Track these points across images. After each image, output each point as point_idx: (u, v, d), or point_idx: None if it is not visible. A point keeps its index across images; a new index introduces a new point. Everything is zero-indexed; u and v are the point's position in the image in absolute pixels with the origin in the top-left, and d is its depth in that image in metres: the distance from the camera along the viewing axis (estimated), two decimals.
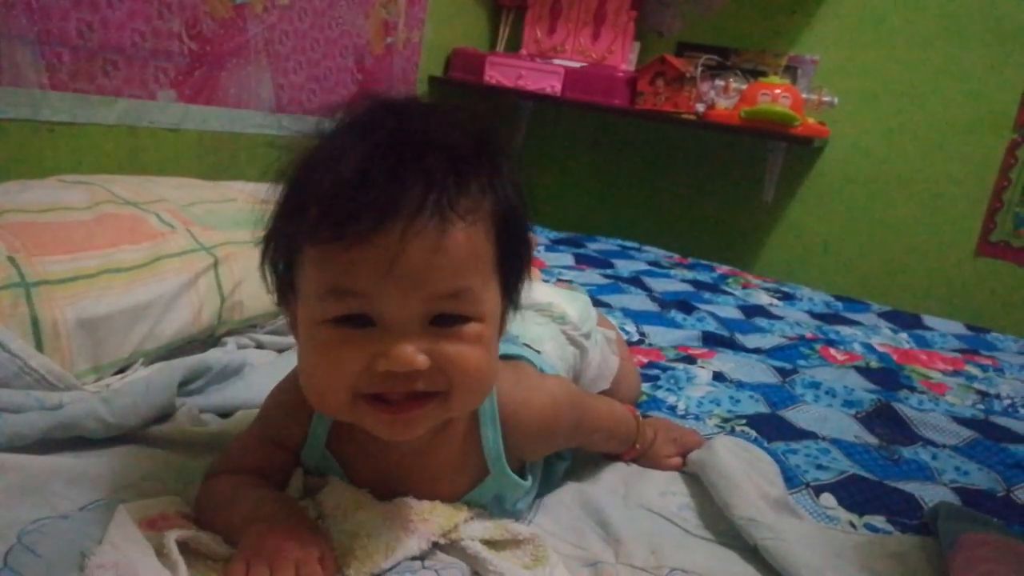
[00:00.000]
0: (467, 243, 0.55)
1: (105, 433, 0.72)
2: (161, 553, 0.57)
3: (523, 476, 0.72)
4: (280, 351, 1.04)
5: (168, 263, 0.96)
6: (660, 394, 1.12)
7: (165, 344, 0.93)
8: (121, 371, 0.90)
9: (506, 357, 0.75)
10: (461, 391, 0.58)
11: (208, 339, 1.01)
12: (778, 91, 2.15)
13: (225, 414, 0.85)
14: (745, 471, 0.83)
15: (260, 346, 1.04)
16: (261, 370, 0.94)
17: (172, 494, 0.67)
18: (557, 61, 2.41)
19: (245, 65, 1.73)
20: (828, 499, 0.87)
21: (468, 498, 0.70)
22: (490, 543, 0.65)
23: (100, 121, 1.46)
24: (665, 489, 0.84)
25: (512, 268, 0.62)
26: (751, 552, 0.73)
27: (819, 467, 0.94)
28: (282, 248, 0.60)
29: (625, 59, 2.43)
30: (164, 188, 1.16)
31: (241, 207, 1.19)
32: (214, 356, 0.91)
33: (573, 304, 1.02)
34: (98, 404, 0.73)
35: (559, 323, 0.96)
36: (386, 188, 0.52)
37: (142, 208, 1.05)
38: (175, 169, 1.54)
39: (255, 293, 1.04)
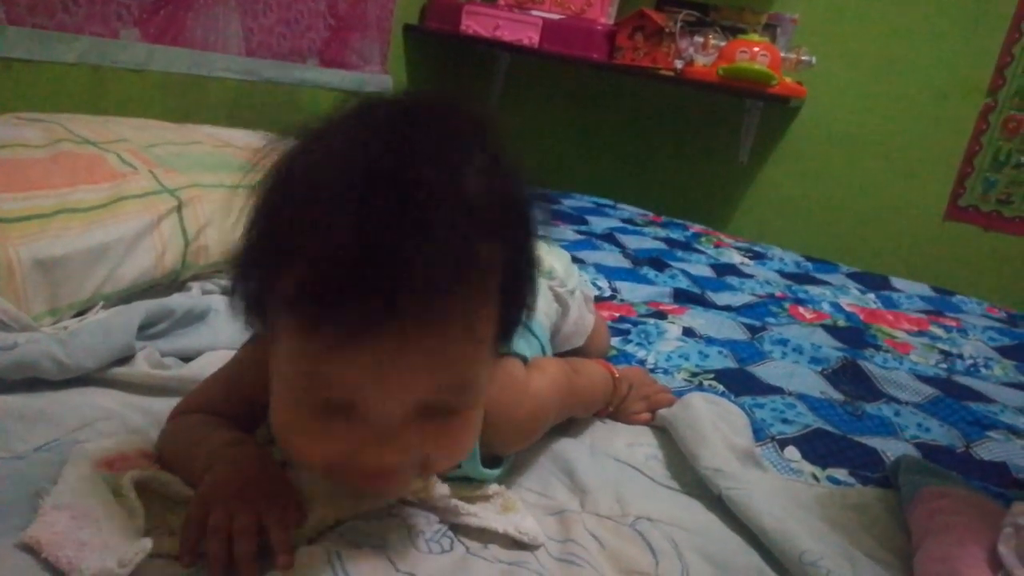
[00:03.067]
0: (471, 334, 0.49)
1: (61, 374, 0.71)
2: (119, 494, 0.56)
3: (497, 463, 0.71)
4: None
5: (129, 204, 0.94)
6: (630, 348, 1.13)
7: (126, 288, 0.91)
8: (80, 314, 0.88)
9: None
10: (443, 463, 0.56)
11: (172, 284, 0.99)
12: (757, 49, 2.14)
13: (188, 359, 0.84)
14: (713, 423, 0.83)
15: (226, 291, 1.02)
16: (226, 315, 0.92)
17: (132, 433, 0.66)
18: (535, 12, 2.36)
19: (213, 6, 1.67)
20: (792, 452, 0.88)
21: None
22: (459, 497, 0.65)
23: (60, 59, 1.41)
24: (633, 440, 0.85)
25: (514, 317, 0.55)
26: (715, 502, 0.74)
27: (784, 421, 0.94)
28: (254, 295, 0.52)
29: (604, 12, 2.39)
30: (126, 128, 1.12)
31: (207, 150, 1.16)
32: (177, 300, 0.89)
33: (560, 259, 1.01)
34: (54, 344, 0.71)
35: (546, 278, 0.95)
36: (386, 273, 0.44)
37: (102, 148, 1.01)
38: (139, 112, 1.50)
39: (221, 238, 1.02)
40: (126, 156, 1.01)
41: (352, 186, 0.45)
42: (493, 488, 0.67)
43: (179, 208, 0.98)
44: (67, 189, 0.90)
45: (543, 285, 0.93)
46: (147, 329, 0.83)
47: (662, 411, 0.88)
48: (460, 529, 0.62)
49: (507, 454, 0.72)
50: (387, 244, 0.44)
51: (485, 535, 0.61)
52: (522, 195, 0.52)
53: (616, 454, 0.80)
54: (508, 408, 0.66)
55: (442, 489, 0.64)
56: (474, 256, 0.47)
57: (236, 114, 1.79)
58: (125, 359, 0.77)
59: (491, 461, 0.69)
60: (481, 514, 0.62)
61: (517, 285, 0.53)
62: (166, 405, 0.70)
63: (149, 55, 1.56)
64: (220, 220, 1.02)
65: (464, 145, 0.49)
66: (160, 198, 0.98)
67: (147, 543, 0.51)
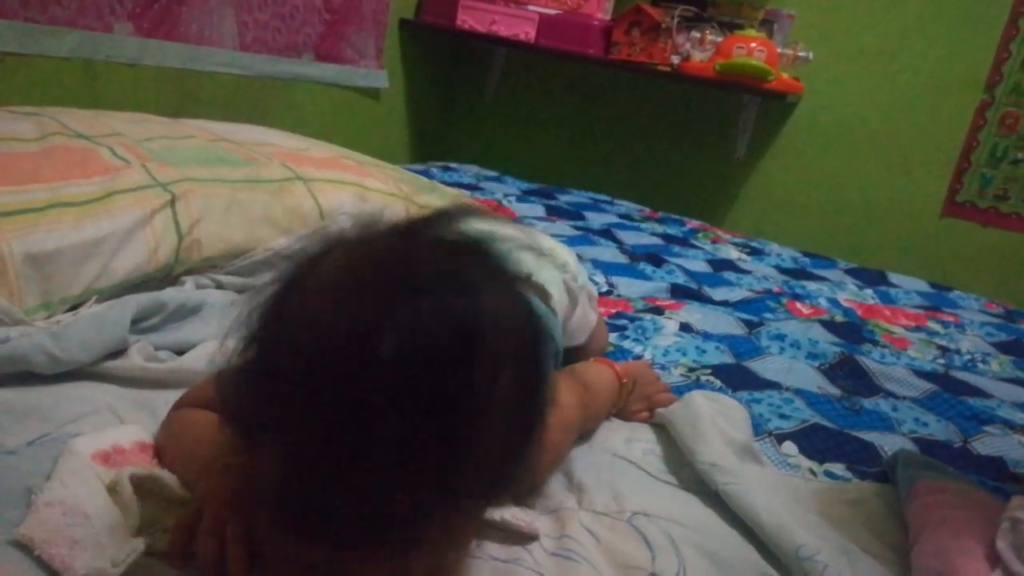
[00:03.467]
0: (432, 564, 0.48)
1: (53, 368, 0.70)
2: (113, 491, 0.56)
3: None
4: (240, 292, 1.01)
5: (121, 198, 0.93)
6: (627, 344, 1.12)
7: (119, 282, 0.90)
8: (73, 308, 0.87)
9: None
10: None
11: (165, 278, 0.98)
12: (754, 45, 2.13)
13: (181, 353, 0.83)
14: (712, 419, 0.83)
15: (220, 286, 1.01)
16: (220, 310, 0.92)
17: (128, 426, 0.66)
18: (532, 7, 2.36)
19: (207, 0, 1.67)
20: (790, 447, 0.88)
21: None
22: None
23: (52, 53, 1.40)
24: (631, 436, 0.84)
25: (510, 477, 0.50)
26: (713, 497, 0.74)
27: (782, 416, 0.94)
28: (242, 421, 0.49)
29: (601, 7, 2.39)
30: (119, 122, 1.11)
31: (201, 144, 1.15)
32: (170, 294, 0.88)
33: (571, 254, 1.01)
34: (46, 338, 0.70)
35: (561, 271, 0.96)
36: (350, 510, 0.41)
37: (95, 141, 1.00)
38: (133, 106, 1.48)
39: (214, 232, 1.01)
40: (119, 150, 1.00)
41: (318, 376, 0.42)
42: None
43: (172, 202, 0.97)
44: (60, 183, 0.89)
45: (558, 277, 0.93)
46: (140, 323, 0.82)
47: (661, 409, 0.88)
48: None
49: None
50: (352, 477, 0.41)
51: (479, 533, 0.61)
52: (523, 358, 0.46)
53: (614, 449, 0.80)
54: None
55: None
56: (455, 461, 0.42)
57: (230, 109, 1.78)
58: (118, 353, 0.77)
59: None
60: (501, 511, 0.62)
61: (513, 447, 0.47)
62: (160, 398, 0.69)
63: (143, 49, 1.55)
64: (213, 215, 1.01)
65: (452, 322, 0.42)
66: (153, 192, 0.97)
67: (139, 543, 0.51)
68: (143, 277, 0.93)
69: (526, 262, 0.86)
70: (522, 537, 0.62)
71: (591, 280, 1.37)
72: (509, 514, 0.61)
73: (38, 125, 0.99)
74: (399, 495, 0.41)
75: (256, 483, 0.47)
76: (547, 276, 0.90)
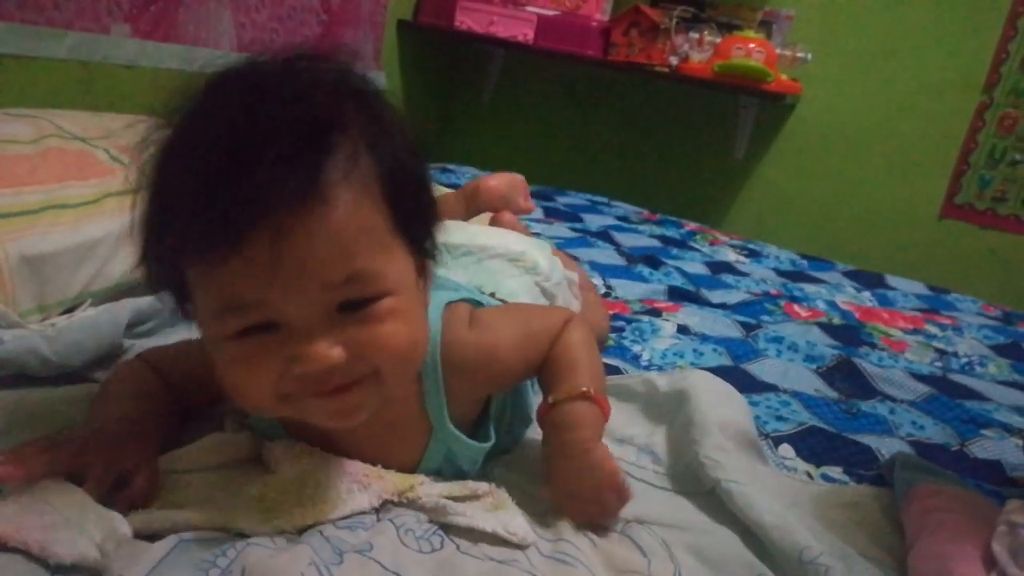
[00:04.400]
0: (349, 220, 0.51)
1: (46, 371, 0.70)
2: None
3: (478, 435, 0.70)
4: None
5: (117, 201, 0.93)
6: (626, 343, 1.12)
7: (115, 284, 0.90)
8: (68, 311, 0.87)
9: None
10: (390, 370, 0.55)
11: None
12: (752, 46, 2.13)
13: None
14: (711, 404, 0.82)
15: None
16: None
17: None
18: (530, 8, 2.36)
19: (205, 1, 1.66)
20: (787, 450, 0.88)
21: (421, 466, 0.67)
22: (449, 498, 0.64)
23: (49, 55, 1.40)
24: (624, 436, 0.84)
25: (415, 221, 0.57)
26: (708, 497, 0.73)
27: (779, 418, 0.94)
28: (161, 270, 0.55)
29: (599, 8, 2.39)
30: (115, 124, 1.11)
31: None
32: (165, 298, 0.88)
33: (540, 251, 1.01)
34: (40, 341, 0.70)
35: (532, 274, 0.95)
36: (244, 184, 0.47)
37: (91, 144, 1.00)
38: (130, 108, 1.49)
39: None
40: (115, 152, 1.00)
41: (207, 131, 0.50)
42: (483, 487, 0.65)
43: None
44: (55, 185, 0.89)
45: (528, 282, 0.92)
46: (135, 327, 0.82)
47: (664, 389, 0.88)
48: (451, 528, 0.61)
49: (477, 397, 0.70)
50: (241, 160, 0.47)
51: (475, 533, 0.61)
52: (384, 108, 0.56)
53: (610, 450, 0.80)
54: (462, 345, 0.66)
55: (430, 489, 0.63)
56: (329, 153, 0.50)
57: None
58: (112, 356, 0.77)
59: (476, 433, 0.69)
60: (469, 513, 0.61)
61: (398, 178, 0.54)
62: None
63: (140, 51, 1.55)
64: None
65: (317, 74, 0.53)
66: None
67: (125, 526, 0.51)
68: (138, 280, 0.93)
69: (493, 276, 0.87)
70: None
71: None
72: (501, 526, 0.61)
73: (34, 127, 0.99)
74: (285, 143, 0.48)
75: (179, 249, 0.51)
76: (514, 286, 0.89)
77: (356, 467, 0.63)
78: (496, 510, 0.63)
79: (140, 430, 0.62)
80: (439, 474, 0.68)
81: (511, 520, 0.62)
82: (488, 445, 0.70)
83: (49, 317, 0.84)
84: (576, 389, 0.67)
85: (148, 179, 0.53)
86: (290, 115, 0.49)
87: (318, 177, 0.49)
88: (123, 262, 0.91)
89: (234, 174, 0.48)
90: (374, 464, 0.64)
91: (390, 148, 0.54)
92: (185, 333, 0.85)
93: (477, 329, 0.68)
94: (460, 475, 0.70)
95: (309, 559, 0.52)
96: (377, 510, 0.61)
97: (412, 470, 0.67)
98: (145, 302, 0.85)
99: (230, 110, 0.50)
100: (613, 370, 0.99)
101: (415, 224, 0.57)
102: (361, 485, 0.62)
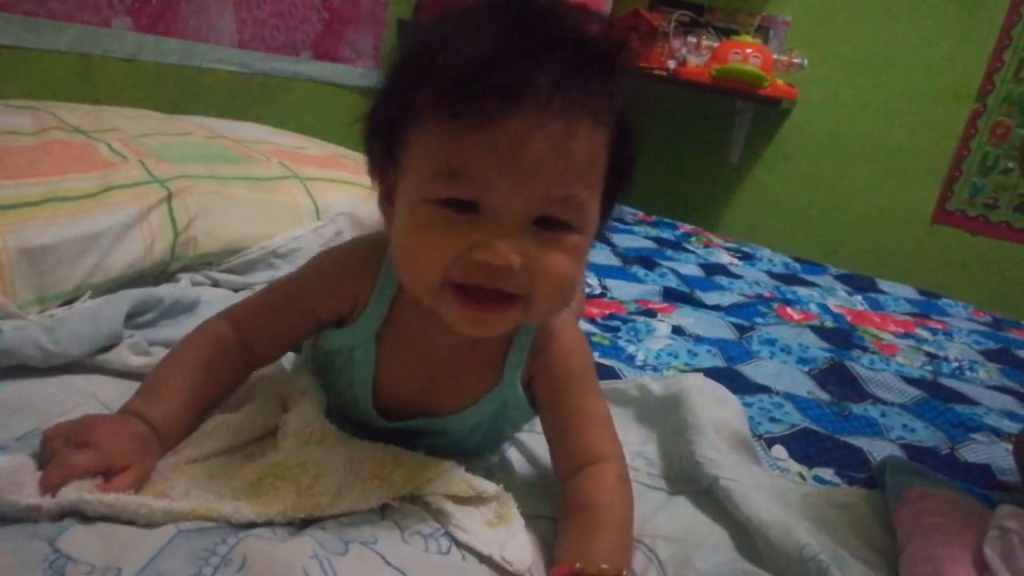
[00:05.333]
0: (588, 148, 0.54)
1: (45, 362, 0.70)
2: None
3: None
4: (236, 290, 1.01)
5: (118, 194, 0.93)
6: (621, 343, 1.13)
7: (115, 277, 0.90)
8: (68, 303, 0.87)
9: None
10: (545, 300, 0.57)
11: (161, 275, 0.98)
12: (749, 51, 2.15)
13: None
14: (706, 405, 0.83)
15: (216, 284, 1.01)
16: (216, 307, 0.91)
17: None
18: None
19: None
20: (779, 451, 0.88)
21: (472, 409, 0.68)
22: (454, 498, 0.63)
23: (50, 47, 1.40)
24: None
25: (617, 182, 0.59)
26: (701, 497, 0.74)
27: (772, 420, 0.95)
28: (393, 119, 0.57)
29: (600, 11, 2.40)
30: (117, 118, 1.12)
31: (198, 141, 1.15)
32: (166, 290, 0.88)
33: None
34: (39, 332, 0.70)
35: None
36: (517, 74, 0.50)
37: (92, 136, 1.00)
38: (130, 102, 1.49)
39: (210, 229, 1.01)
40: (116, 146, 1.01)
41: (485, 27, 0.52)
42: (491, 490, 0.64)
43: (169, 199, 0.98)
44: (56, 177, 0.89)
45: None
46: (135, 318, 0.82)
47: (660, 392, 0.88)
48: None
49: (534, 374, 0.68)
50: (517, 55, 0.50)
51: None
52: (632, 77, 0.58)
53: None
54: (562, 325, 0.68)
55: (437, 486, 0.63)
56: (592, 84, 0.53)
57: (228, 106, 1.78)
58: (111, 347, 0.77)
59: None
60: (470, 529, 0.60)
61: (624, 137, 0.57)
62: None
63: (141, 45, 1.55)
64: (210, 211, 1.01)
65: (590, 19, 0.56)
66: (150, 188, 0.97)
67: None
68: (138, 273, 0.94)
69: None
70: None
71: (585, 282, 1.38)
72: (499, 551, 0.59)
73: (35, 119, 0.99)
74: (576, 53, 0.52)
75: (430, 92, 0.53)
76: None
77: (365, 464, 0.63)
78: (499, 523, 0.62)
79: (158, 426, 0.60)
80: (478, 428, 0.69)
81: (511, 540, 0.60)
82: (534, 416, 0.70)
83: (48, 309, 0.84)
84: (613, 570, 0.57)
85: (409, 47, 0.57)
86: (568, 36, 0.53)
87: (583, 98, 0.52)
88: (123, 255, 0.91)
89: (513, 61, 0.50)
90: (432, 388, 0.67)
91: (626, 107, 0.56)
92: (185, 326, 0.86)
93: (574, 333, 0.70)
94: (495, 437, 0.72)
95: (311, 550, 0.52)
96: (382, 509, 0.61)
97: (464, 409, 0.68)
98: (145, 293, 0.85)
99: (511, 15, 0.53)
100: (608, 371, 1.00)
101: (616, 184, 0.59)
102: (363, 482, 0.61)
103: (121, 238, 0.91)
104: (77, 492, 0.53)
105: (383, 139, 0.59)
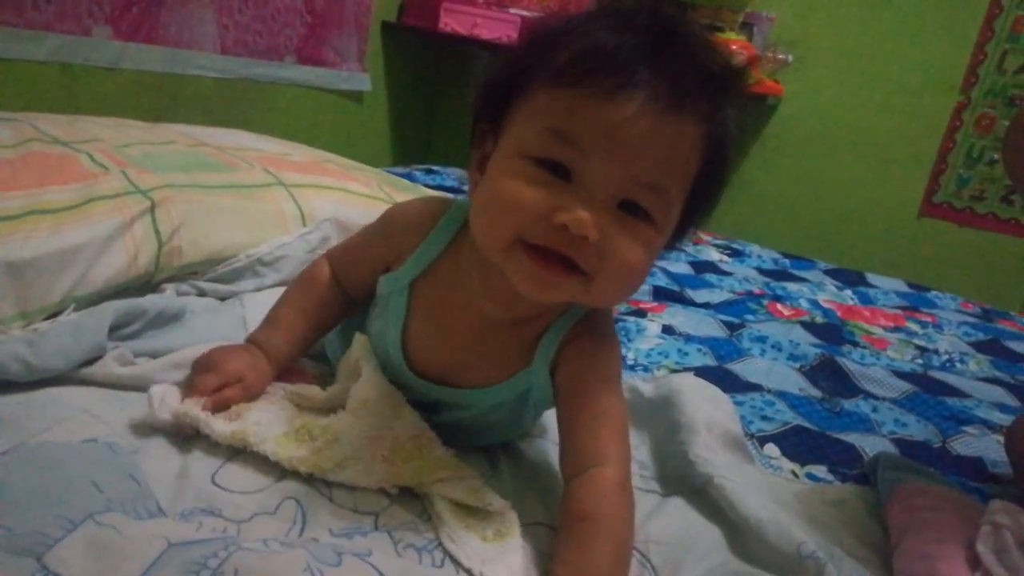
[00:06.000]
0: (688, 146, 0.56)
1: (29, 376, 0.69)
2: None
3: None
4: (222, 299, 1.00)
5: (100, 205, 0.91)
6: None
7: (98, 290, 0.89)
8: (52, 317, 0.86)
9: None
10: (608, 283, 0.58)
11: (146, 286, 0.97)
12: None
13: None
14: (698, 405, 0.83)
15: (202, 293, 1.00)
16: (202, 317, 0.91)
17: (105, 424, 0.65)
18: (513, 10, 2.36)
19: (187, 2, 1.65)
20: (772, 449, 0.88)
21: (501, 386, 0.69)
22: (457, 504, 0.63)
23: (29, 57, 1.38)
24: None
25: (698, 201, 0.61)
26: (695, 496, 0.74)
27: (764, 418, 0.95)
28: (511, 85, 0.59)
29: (583, 10, 2.39)
30: (98, 128, 1.10)
31: (181, 149, 1.14)
32: (150, 300, 0.87)
33: None
34: (21, 346, 0.69)
35: None
36: (646, 63, 0.53)
37: (72, 148, 0.99)
38: (112, 111, 1.47)
39: (195, 238, 1.00)
40: (97, 156, 0.99)
41: (619, 24, 0.56)
42: (497, 504, 0.64)
43: (152, 209, 0.96)
44: (37, 189, 0.88)
45: None
46: (119, 330, 0.81)
47: (650, 393, 0.88)
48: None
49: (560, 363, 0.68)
50: (647, 48, 0.54)
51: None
52: (740, 107, 0.60)
53: None
54: (602, 323, 0.69)
55: (445, 488, 0.63)
56: (708, 92, 0.56)
57: (211, 113, 1.77)
58: (96, 360, 0.76)
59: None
60: (460, 539, 0.59)
61: (718, 156, 0.59)
62: (139, 399, 0.68)
63: (122, 53, 1.53)
64: (194, 221, 1.00)
65: (714, 41, 0.59)
66: (133, 199, 0.96)
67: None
68: (123, 285, 0.92)
69: None
70: None
71: None
72: (478, 569, 0.58)
73: (14, 131, 0.98)
74: (704, 56, 0.56)
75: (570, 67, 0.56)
76: None
77: (384, 443, 0.65)
78: (495, 540, 0.61)
79: (270, 352, 0.73)
80: (500, 408, 0.70)
81: (500, 558, 0.59)
82: (551, 407, 0.70)
83: (31, 323, 0.83)
84: None
85: (541, 31, 0.60)
86: (696, 48, 0.56)
87: (698, 99, 0.55)
88: (107, 267, 0.90)
89: (642, 52, 0.54)
90: (463, 373, 0.69)
91: (728, 130, 0.59)
92: (170, 336, 0.85)
93: (612, 333, 0.71)
94: (513, 424, 0.73)
95: (304, 563, 0.51)
96: (376, 516, 0.61)
97: (490, 385, 0.69)
98: (128, 304, 0.84)
99: (646, 18, 0.56)
100: None
101: (697, 201, 0.62)
102: (373, 461, 0.63)
103: (104, 250, 0.90)
104: (189, 407, 0.65)
105: (494, 104, 0.61)
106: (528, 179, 0.56)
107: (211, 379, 0.68)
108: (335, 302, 0.77)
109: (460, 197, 0.75)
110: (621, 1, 0.59)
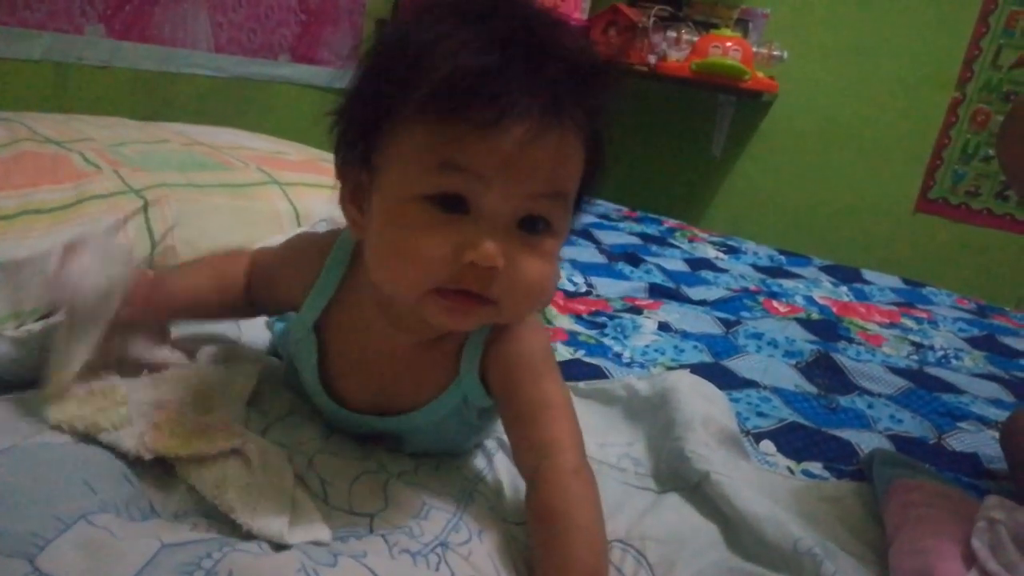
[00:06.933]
0: (575, 154, 0.57)
1: (20, 377, 0.69)
2: None
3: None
4: None
5: (93, 205, 0.91)
6: (607, 341, 1.12)
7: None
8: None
9: None
10: (519, 304, 0.58)
11: None
12: (729, 44, 2.15)
13: None
14: (693, 403, 0.83)
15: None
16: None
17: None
18: None
19: (180, 0, 1.65)
20: (768, 446, 0.88)
21: (433, 404, 0.68)
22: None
23: (23, 56, 1.38)
24: (604, 441, 0.84)
25: (584, 190, 0.62)
26: (690, 493, 0.74)
27: (760, 415, 0.95)
28: (374, 115, 0.57)
29: (578, 7, 2.39)
30: (90, 127, 1.10)
31: (175, 148, 1.14)
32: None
33: None
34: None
35: None
36: (523, 84, 0.52)
37: (66, 147, 0.99)
38: (105, 110, 1.47)
39: (189, 238, 1.00)
40: (90, 156, 0.99)
41: (482, 25, 0.53)
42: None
43: (145, 209, 0.96)
44: (30, 189, 0.88)
45: None
46: None
47: (645, 393, 0.88)
48: (449, 552, 0.59)
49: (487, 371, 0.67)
50: (523, 58, 0.52)
51: (472, 562, 0.59)
52: (609, 94, 0.59)
53: (590, 454, 0.79)
54: (521, 327, 0.67)
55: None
56: (583, 96, 0.55)
57: (205, 112, 1.76)
58: None
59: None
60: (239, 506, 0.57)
61: (597, 149, 0.60)
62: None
63: (115, 51, 1.53)
64: (188, 220, 1.00)
65: (577, 33, 0.59)
66: (126, 198, 0.96)
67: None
68: None
69: None
70: None
71: (569, 280, 1.38)
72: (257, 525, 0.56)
73: (7, 130, 0.98)
74: (572, 58, 0.54)
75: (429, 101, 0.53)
76: None
77: (165, 412, 0.63)
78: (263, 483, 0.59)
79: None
80: (443, 424, 0.69)
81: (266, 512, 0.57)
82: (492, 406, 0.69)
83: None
84: None
85: (391, 38, 0.58)
86: (564, 47, 0.54)
87: (576, 107, 0.55)
88: None
89: (520, 65, 0.52)
90: (386, 384, 0.68)
91: (601, 121, 0.59)
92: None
93: (536, 334, 0.68)
94: (466, 432, 0.72)
95: (299, 563, 0.51)
96: (371, 518, 0.61)
97: (423, 405, 0.68)
98: None
99: (506, 16, 0.54)
100: (595, 370, 0.99)
101: (583, 194, 0.62)
102: (147, 424, 0.61)
103: None
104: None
105: (357, 136, 0.59)
106: (424, 223, 0.54)
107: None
108: (239, 301, 0.75)
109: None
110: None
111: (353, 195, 0.61)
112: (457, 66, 0.51)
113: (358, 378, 0.69)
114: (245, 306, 0.75)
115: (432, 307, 0.57)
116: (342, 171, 0.62)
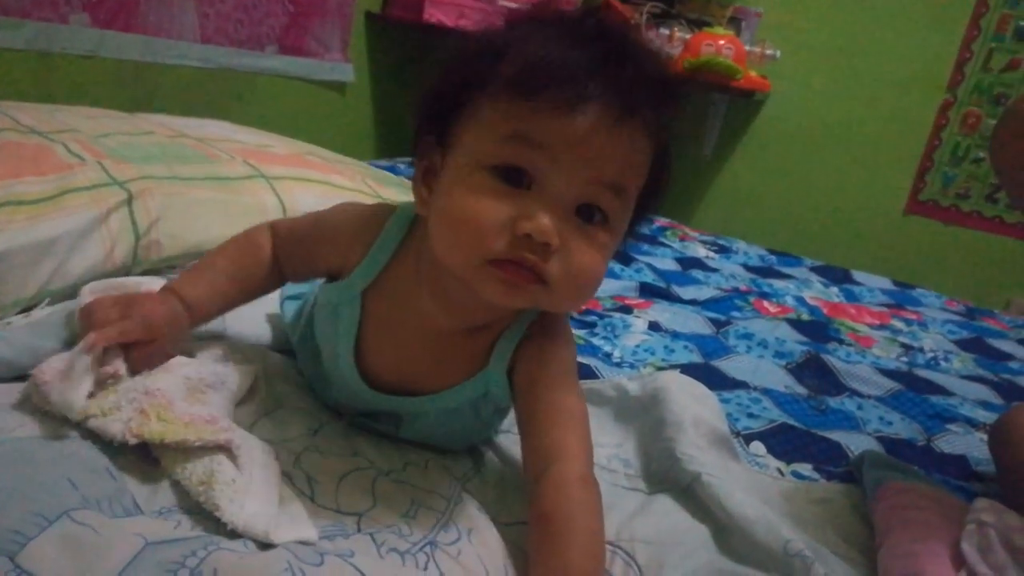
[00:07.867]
0: (643, 155, 0.59)
1: (6, 371, 0.67)
2: None
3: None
4: None
5: (76, 197, 0.89)
6: (596, 341, 1.12)
7: (73, 283, 0.87)
8: (26, 311, 0.84)
9: None
10: (567, 290, 0.58)
11: None
12: (722, 42, 2.14)
13: None
14: (683, 403, 0.82)
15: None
16: None
17: None
18: (500, 1, 2.34)
19: None
20: (758, 447, 0.88)
21: (456, 390, 0.69)
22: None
23: (6, 45, 1.36)
24: (596, 441, 0.83)
25: (645, 204, 0.63)
26: (681, 495, 0.73)
27: (750, 416, 0.94)
28: (459, 95, 0.59)
29: (570, 3, 2.38)
30: (74, 118, 1.08)
31: (160, 140, 1.12)
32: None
33: None
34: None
35: None
36: (594, 75, 0.55)
37: (48, 138, 0.97)
38: (90, 100, 1.44)
39: (174, 231, 0.98)
40: (74, 147, 0.97)
41: (574, 22, 0.59)
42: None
43: (129, 201, 0.94)
44: (11, 180, 0.86)
45: None
46: None
47: (635, 390, 0.88)
48: (438, 552, 0.59)
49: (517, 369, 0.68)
50: (611, 58, 0.56)
51: (462, 562, 0.58)
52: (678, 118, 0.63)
53: None
54: (556, 327, 0.69)
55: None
56: (661, 103, 0.59)
57: (191, 103, 1.74)
58: None
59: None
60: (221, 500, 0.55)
61: (662, 164, 0.62)
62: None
63: (100, 41, 1.51)
64: (173, 214, 0.98)
65: (660, 53, 0.62)
66: (109, 190, 0.94)
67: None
68: (99, 278, 0.91)
69: None
70: None
71: None
72: (241, 521, 0.55)
73: None
74: (659, 68, 0.59)
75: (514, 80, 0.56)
76: None
77: (155, 398, 0.61)
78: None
79: (191, 306, 0.69)
80: (458, 412, 0.69)
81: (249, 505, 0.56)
82: (511, 409, 0.70)
83: (5, 317, 0.82)
84: None
85: (490, 35, 0.61)
86: (647, 61, 0.58)
87: (654, 110, 0.58)
88: (83, 260, 0.88)
89: (609, 62, 0.55)
90: (416, 364, 0.68)
91: (668, 140, 0.62)
92: None
93: (567, 335, 0.70)
94: (472, 430, 0.73)
95: (285, 562, 0.50)
96: (359, 517, 0.60)
97: (444, 390, 0.69)
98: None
99: (597, 28, 0.58)
100: (585, 370, 0.99)
101: (642, 208, 0.64)
102: (135, 410, 0.59)
103: (80, 243, 0.88)
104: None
105: (439, 115, 0.61)
106: (487, 191, 0.56)
107: (128, 327, 0.63)
108: (268, 279, 0.75)
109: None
110: (563, 10, 0.61)
111: (425, 176, 0.63)
112: (544, 54, 0.55)
113: (391, 356, 0.69)
114: (269, 285, 0.76)
115: (486, 279, 0.57)
116: (418, 152, 0.64)
